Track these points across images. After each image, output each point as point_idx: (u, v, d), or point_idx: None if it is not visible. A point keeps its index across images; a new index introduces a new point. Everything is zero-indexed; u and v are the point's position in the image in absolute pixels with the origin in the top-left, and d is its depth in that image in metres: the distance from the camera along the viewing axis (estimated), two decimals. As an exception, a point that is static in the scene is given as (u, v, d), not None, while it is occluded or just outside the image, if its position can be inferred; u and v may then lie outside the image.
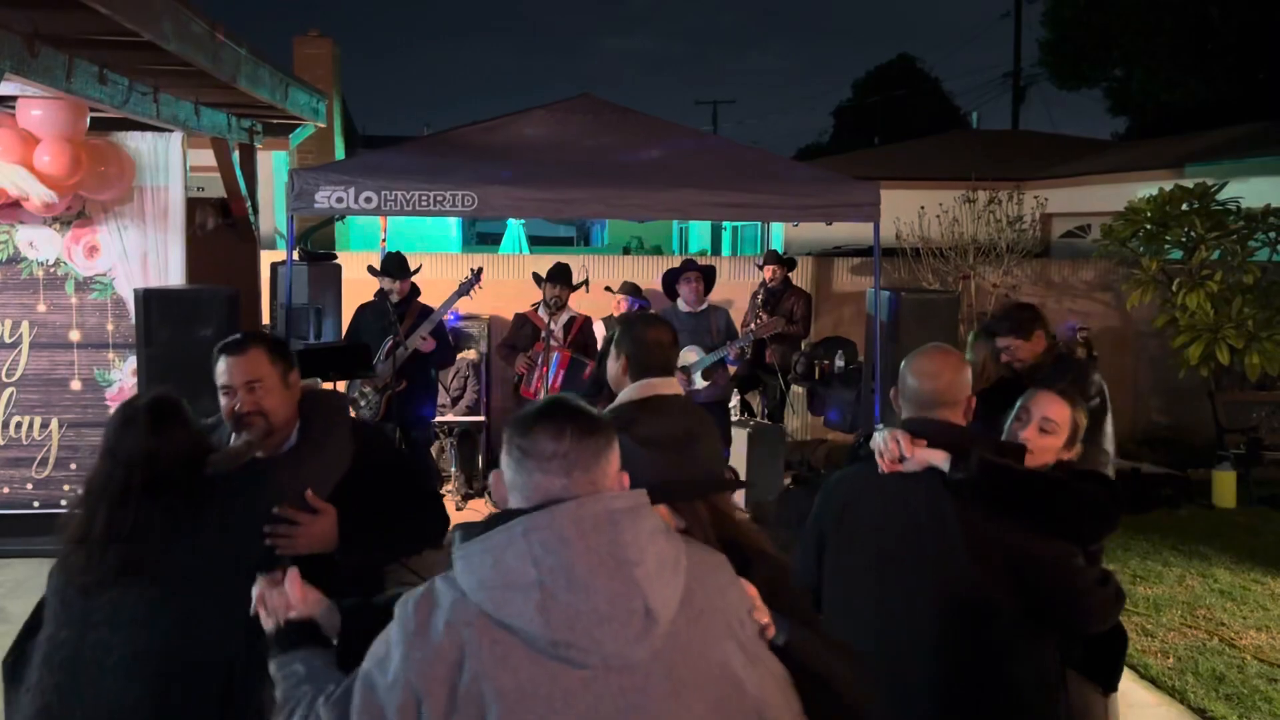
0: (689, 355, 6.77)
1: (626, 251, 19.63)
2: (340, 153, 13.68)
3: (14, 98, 5.38)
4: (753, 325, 7.63)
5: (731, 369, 7.57)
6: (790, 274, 8.39)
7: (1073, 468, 2.81)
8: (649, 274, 9.07)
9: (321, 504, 2.51)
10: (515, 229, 15.53)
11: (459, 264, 9.04)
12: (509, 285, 8.33)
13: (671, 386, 3.16)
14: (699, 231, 19.96)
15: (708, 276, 7.09)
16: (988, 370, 4.45)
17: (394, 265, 6.69)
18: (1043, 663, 2.57)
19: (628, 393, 3.10)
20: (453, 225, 15.94)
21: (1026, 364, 4.32)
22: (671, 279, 7.16)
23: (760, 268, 8.46)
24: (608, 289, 8.22)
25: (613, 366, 3.22)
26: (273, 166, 11.11)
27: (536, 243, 21.39)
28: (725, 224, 17.24)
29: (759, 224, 14.09)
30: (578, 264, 8.07)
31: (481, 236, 28.25)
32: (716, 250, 18.35)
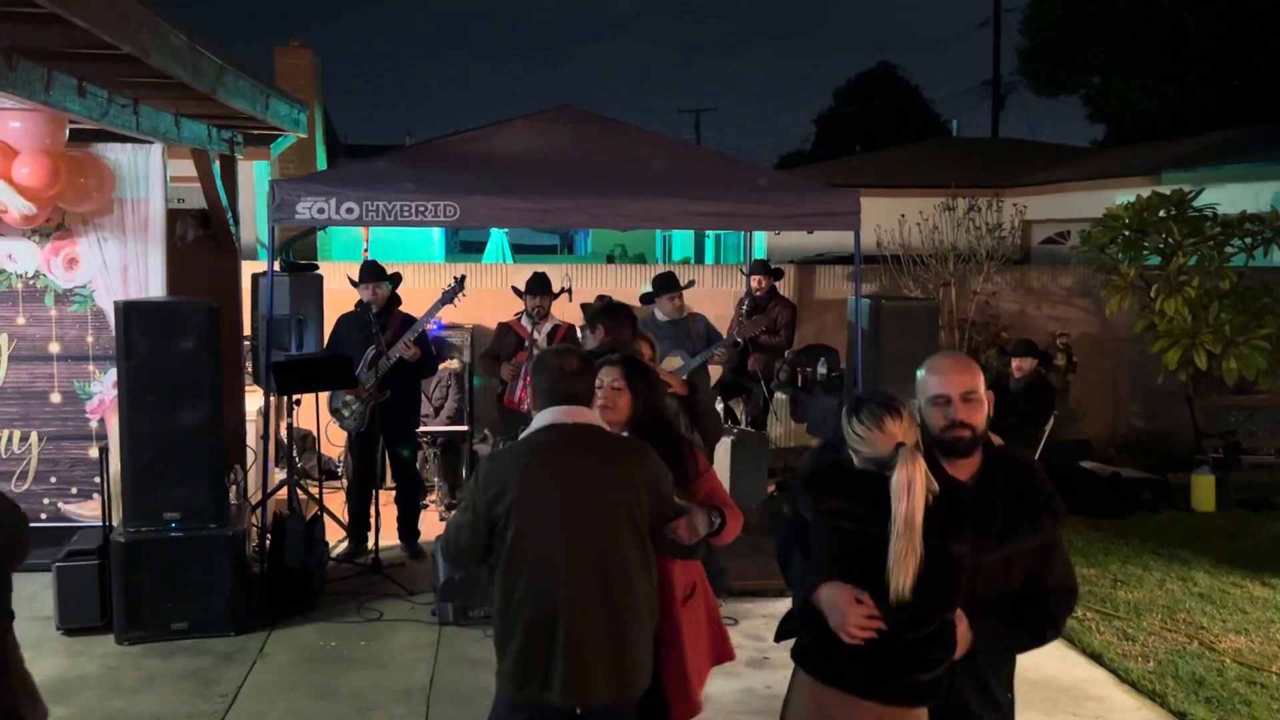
0: (674, 360, 6.81)
1: (610, 260, 19.63)
2: (322, 163, 13.62)
3: (-8, 110, 5.36)
4: (736, 328, 7.69)
5: (715, 367, 7.68)
6: (776, 283, 8.44)
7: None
8: (632, 282, 9.08)
9: None
10: (499, 238, 15.52)
11: (441, 273, 9.03)
12: (492, 294, 8.32)
13: (579, 415, 3.07)
14: (682, 240, 19.99)
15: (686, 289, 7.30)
16: None
17: (368, 270, 6.70)
18: None
19: (535, 421, 3.11)
20: (435, 235, 15.91)
21: None
22: (650, 299, 7.32)
23: (746, 275, 8.50)
24: (584, 306, 8.24)
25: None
26: (254, 177, 11.07)
27: (520, 251, 21.35)
28: (708, 232, 17.28)
29: (741, 232, 14.15)
30: (561, 272, 8.07)
31: (465, 245, 28.18)
32: (700, 258, 18.37)
